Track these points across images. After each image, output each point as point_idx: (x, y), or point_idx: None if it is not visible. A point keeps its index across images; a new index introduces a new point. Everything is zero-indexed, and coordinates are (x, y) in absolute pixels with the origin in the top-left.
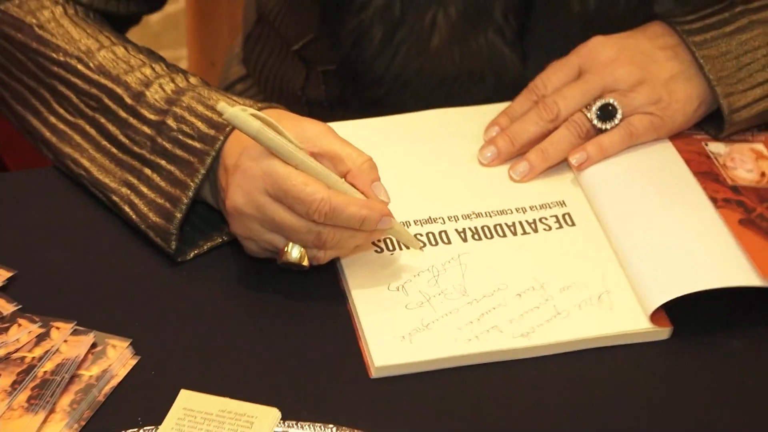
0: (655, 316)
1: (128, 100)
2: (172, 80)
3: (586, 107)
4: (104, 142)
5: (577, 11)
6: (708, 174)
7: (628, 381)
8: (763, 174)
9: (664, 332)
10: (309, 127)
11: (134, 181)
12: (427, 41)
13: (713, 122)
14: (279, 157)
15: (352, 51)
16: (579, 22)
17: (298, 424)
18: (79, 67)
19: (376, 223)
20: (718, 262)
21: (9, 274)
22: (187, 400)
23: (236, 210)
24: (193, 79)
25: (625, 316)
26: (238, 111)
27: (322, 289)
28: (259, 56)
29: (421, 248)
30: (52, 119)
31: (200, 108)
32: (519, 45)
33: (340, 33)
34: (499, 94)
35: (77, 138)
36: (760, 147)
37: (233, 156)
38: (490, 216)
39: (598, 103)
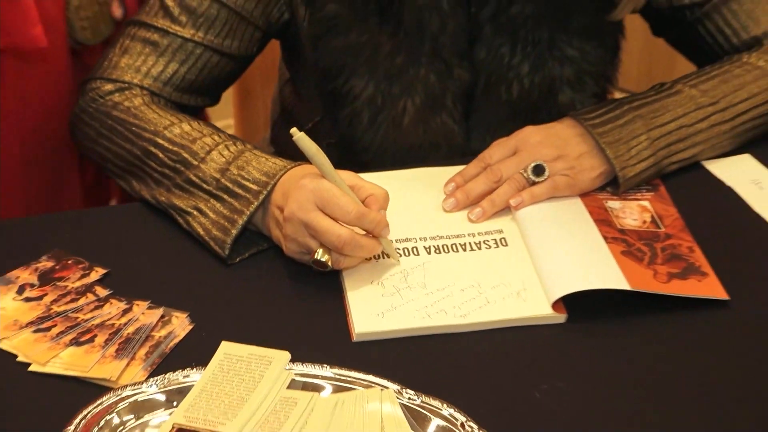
0: (555, 306)
1: (201, 154)
2: (234, 144)
3: (523, 170)
4: (181, 182)
5: (504, 99)
6: (603, 221)
7: (534, 350)
8: (644, 222)
9: (561, 318)
10: (342, 171)
11: (203, 207)
12: (400, 121)
13: (613, 184)
14: (323, 175)
15: (348, 129)
16: (506, 108)
17: (303, 364)
18: (165, 133)
19: (382, 229)
20: (602, 273)
21: (104, 271)
22: (226, 348)
23: (291, 214)
24: (248, 145)
25: (534, 305)
26: (303, 135)
27: (327, 282)
28: (283, 136)
29: (398, 260)
30: (145, 169)
31: (254, 162)
32: (464, 124)
33: (339, 117)
34: (450, 158)
35: (162, 180)
36: (645, 203)
37: (288, 185)
38: (449, 238)
39: (533, 164)
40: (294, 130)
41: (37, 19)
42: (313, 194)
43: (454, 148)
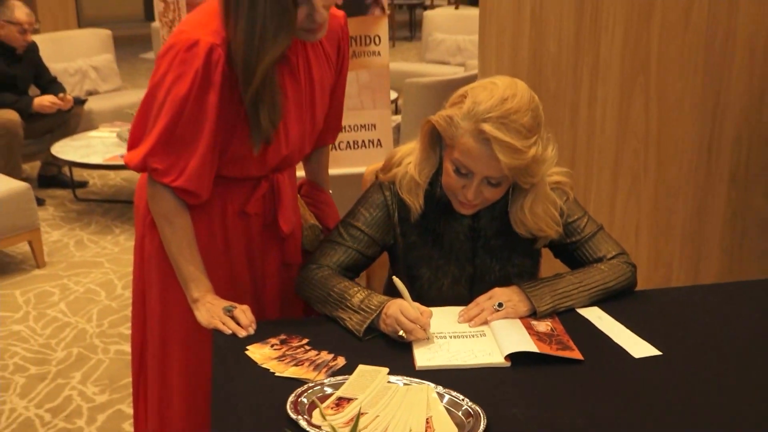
0: (506, 359)
1: (352, 293)
2: (366, 290)
3: (493, 305)
4: (343, 306)
5: (487, 281)
6: (529, 328)
7: (495, 375)
8: (547, 330)
9: (507, 364)
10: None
11: (352, 317)
12: (441, 290)
13: (534, 314)
14: (405, 300)
15: (418, 293)
16: (488, 285)
17: (393, 375)
18: (336, 285)
19: (427, 327)
20: (524, 345)
21: (308, 339)
22: (361, 367)
23: (390, 316)
24: (374, 292)
25: (495, 358)
26: (399, 280)
27: (403, 346)
28: (389, 293)
29: (434, 340)
30: (327, 300)
31: (375, 298)
32: (470, 293)
33: (414, 286)
34: (461, 305)
35: (334, 306)
36: (548, 323)
37: (389, 305)
38: (459, 333)
39: (497, 302)
40: (395, 278)
41: (292, 225)
42: (400, 308)
43: (465, 302)
